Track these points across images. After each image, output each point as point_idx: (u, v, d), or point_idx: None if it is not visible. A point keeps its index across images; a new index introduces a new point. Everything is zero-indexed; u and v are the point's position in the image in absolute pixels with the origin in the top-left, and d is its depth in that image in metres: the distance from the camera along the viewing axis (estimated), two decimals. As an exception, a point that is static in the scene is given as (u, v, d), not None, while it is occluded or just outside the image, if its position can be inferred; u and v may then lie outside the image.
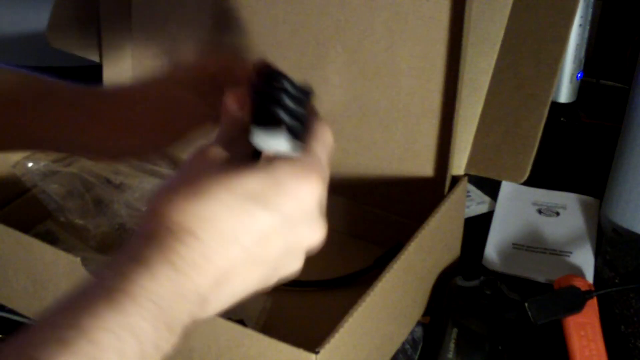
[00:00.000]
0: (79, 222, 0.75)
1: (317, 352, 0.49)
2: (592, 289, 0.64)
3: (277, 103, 0.40)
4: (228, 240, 0.38)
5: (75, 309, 0.34)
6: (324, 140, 0.43)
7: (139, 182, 0.77)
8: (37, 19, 0.91)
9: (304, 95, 0.42)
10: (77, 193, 0.77)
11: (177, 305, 0.36)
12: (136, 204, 0.76)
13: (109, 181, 0.78)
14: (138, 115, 0.56)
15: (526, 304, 0.61)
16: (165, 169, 0.80)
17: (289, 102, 0.41)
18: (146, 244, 0.37)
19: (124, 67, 0.85)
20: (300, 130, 0.41)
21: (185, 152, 0.53)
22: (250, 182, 0.38)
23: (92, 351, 0.33)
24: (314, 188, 0.40)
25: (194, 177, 0.38)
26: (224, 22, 0.75)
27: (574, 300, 0.63)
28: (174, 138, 0.57)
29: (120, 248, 0.38)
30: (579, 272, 0.72)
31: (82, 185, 0.77)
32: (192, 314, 0.37)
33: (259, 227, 0.38)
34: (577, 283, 0.64)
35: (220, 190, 0.38)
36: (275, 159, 0.40)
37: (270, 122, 0.40)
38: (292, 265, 0.42)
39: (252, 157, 0.41)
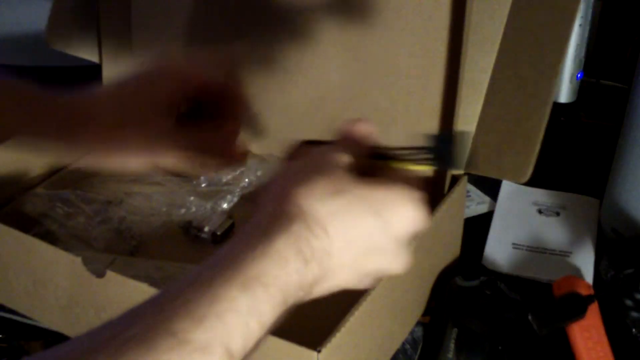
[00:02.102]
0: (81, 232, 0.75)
1: (318, 351, 0.49)
2: (592, 291, 0.64)
3: None
4: (348, 242, 0.41)
5: (209, 286, 0.36)
6: None
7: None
8: (37, 19, 0.91)
9: None
10: (79, 212, 0.76)
11: (296, 293, 0.39)
12: (134, 203, 0.76)
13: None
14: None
15: (529, 316, 0.60)
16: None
17: None
18: (277, 228, 0.39)
19: (124, 67, 0.85)
20: None
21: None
22: (379, 196, 0.41)
23: (222, 330, 0.35)
24: (420, 218, 0.42)
25: (329, 176, 0.41)
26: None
27: (577, 306, 0.62)
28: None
29: (245, 225, 0.40)
30: (578, 273, 0.72)
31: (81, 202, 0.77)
32: (299, 299, 0.40)
33: (373, 240, 0.41)
34: (577, 287, 0.63)
35: (354, 196, 0.41)
36: (395, 182, 0.42)
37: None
38: (368, 283, 0.44)
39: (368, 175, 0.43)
